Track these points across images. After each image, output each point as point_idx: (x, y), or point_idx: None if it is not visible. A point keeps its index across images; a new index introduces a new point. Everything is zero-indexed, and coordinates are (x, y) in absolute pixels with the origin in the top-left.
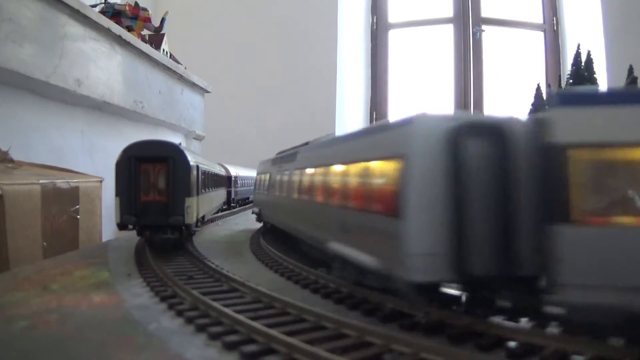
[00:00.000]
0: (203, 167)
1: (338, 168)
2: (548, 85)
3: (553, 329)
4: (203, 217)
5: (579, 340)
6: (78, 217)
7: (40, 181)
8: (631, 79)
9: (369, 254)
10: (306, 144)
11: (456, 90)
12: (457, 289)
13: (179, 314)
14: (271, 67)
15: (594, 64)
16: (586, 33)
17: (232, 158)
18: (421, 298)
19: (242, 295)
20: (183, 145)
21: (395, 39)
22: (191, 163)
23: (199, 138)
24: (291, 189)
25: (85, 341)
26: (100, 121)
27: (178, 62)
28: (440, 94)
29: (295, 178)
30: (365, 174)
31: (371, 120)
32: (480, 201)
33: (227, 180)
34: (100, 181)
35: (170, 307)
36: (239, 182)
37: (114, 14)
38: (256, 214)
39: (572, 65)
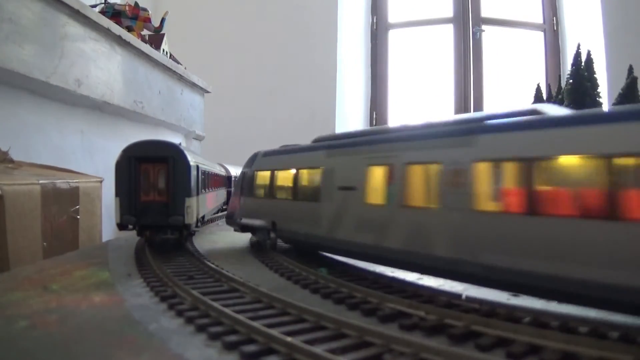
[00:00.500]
0: (203, 167)
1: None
2: (548, 85)
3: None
4: (203, 217)
5: (579, 340)
6: (78, 217)
7: (40, 181)
8: (631, 78)
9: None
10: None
11: (456, 90)
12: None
13: (179, 313)
14: (271, 67)
15: (594, 64)
16: (586, 33)
17: (232, 158)
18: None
19: (242, 295)
20: (183, 145)
21: (395, 39)
22: (191, 163)
23: (199, 138)
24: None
25: (85, 341)
26: (100, 121)
27: (178, 62)
28: (440, 94)
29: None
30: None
31: (371, 121)
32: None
33: (227, 180)
34: (100, 181)
35: (171, 307)
36: None
37: (114, 14)
38: (255, 228)
39: (572, 65)
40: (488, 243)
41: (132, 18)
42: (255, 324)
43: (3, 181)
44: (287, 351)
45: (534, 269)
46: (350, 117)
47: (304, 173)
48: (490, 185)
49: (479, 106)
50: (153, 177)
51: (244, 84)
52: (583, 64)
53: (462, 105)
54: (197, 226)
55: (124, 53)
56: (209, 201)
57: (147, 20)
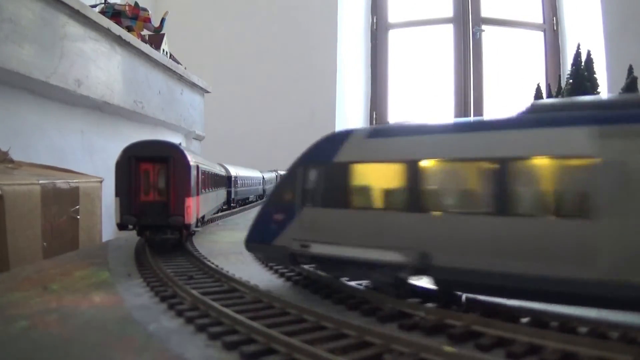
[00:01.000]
0: (203, 167)
1: None
2: (548, 85)
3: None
4: (203, 217)
5: (579, 340)
6: (78, 217)
7: (40, 181)
8: (631, 78)
9: None
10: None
11: (456, 90)
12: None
13: (179, 313)
14: (271, 67)
15: (594, 64)
16: (586, 33)
17: (232, 158)
18: None
19: (242, 295)
20: (183, 145)
21: (395, 39)
22: (191, 163)
23: (198, 138)
24: None
25: (85, 341)
26: (100, 121)
27: (178, 62)
28: (440, 94)
29: None
30: None
31: (371, 120)
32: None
33: (227, 180)
34: (100, 181)
35: (171, 307)
36: (239, 182)
37: (114, 14)
38: (368, 264)
39: (572, 65)
40: None
41: (132, 18)
42: (255, 324)
43: (3, 181)
44: (287, 351)
45: None
46: (350, 117)
47: (530, 166)
48: None
49: (479, 106)
50: (153, 177)
51: (244, 84)
52: (583, 64)
53: (462, 104)
54: (197, 226)
55: (124, 53)
56: (209, 201)
57: (147, 20)
